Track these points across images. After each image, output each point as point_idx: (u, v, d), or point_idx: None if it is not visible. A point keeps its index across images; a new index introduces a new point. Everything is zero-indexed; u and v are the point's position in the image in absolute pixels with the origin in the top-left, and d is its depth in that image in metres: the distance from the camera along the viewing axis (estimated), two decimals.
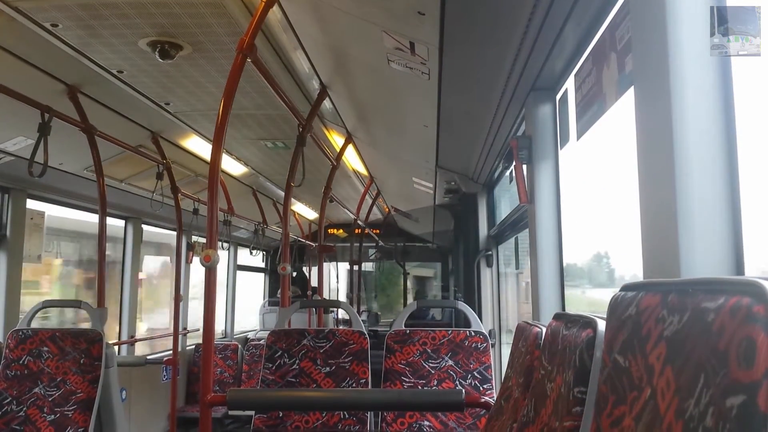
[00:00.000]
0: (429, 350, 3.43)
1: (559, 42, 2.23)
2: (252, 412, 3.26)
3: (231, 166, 5.65)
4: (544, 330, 1.66)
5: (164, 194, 4.87)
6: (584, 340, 1.19)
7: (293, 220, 8.52)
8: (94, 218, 4.57)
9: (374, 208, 8.42)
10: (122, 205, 5.48)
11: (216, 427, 6.42)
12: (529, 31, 2.19)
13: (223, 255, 7.83)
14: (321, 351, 3.31)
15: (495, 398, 2.56)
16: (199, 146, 4.84)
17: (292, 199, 5.52)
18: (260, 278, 10.31)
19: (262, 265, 10.09)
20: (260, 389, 3.34)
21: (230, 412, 6.05)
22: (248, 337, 8.53)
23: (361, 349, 3.30)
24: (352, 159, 5.64)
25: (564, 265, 2.71)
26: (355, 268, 9.35)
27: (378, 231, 9.99)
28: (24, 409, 3.42)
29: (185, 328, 6.73)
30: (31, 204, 4.46)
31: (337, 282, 11.16)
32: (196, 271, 6.82)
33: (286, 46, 3.13)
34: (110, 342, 3.90)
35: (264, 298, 10.09)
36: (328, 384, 3.25)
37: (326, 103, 3.93)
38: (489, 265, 4.99)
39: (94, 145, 3.82)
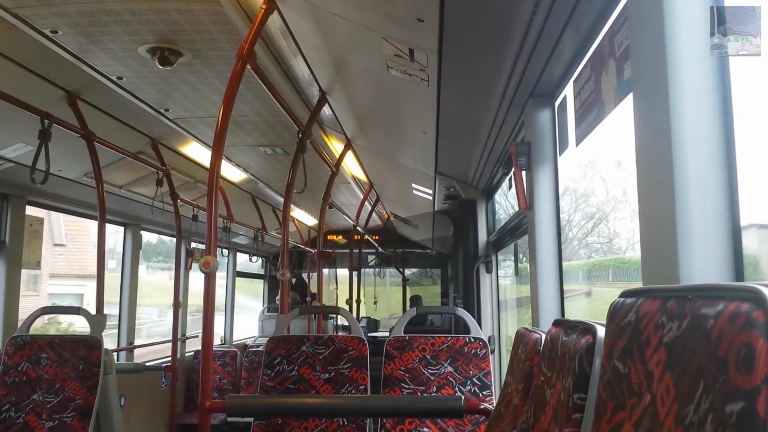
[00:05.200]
0: (428, 356, 3.42)
1: (557, 48, 2.23)
2: (251, 419, 3.25)
3: (230, 172, 5.65)
4: (544, 336, 1.66)
5: (164, 200, 4.87)
6: (584, 347, 1.19)
7: (293, 227, 8.51)
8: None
9: (373, 214, 8.41)
10: (121, 212, 5.48)
11: None
12: (528, 38, 2.19)
13: (222, 261, 7.85)
14: (320, 357, 3.30)
15: (494, 405, 2.56)
16: (198, 152, 4.85)
17: (292, 206, 5.51)
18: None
19: (261, 271, 10.07)
20: (259, 395, 3.33)
21: (229, 419, 6.01)
22: (247, 343, 8.51)
23: (360, 356, 3.29)
24: (351, 165, 5.64)
25: (563, 270, 2.71)
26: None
27: (377, 237, 9.97)
28: (22, 415, 3.40)
29: (184, 335, 6.72)
30: (30, 210, 4.45)
31: (336, 288, 11.14)
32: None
33: (286, 53, 3.14)
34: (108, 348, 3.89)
35: (263, 305, 10.07)
36: (327, 390, 3.24)
37: (326, 110, 3.93)
38: (488, 271, 4.99)
39: (94, 152, 3.82)
